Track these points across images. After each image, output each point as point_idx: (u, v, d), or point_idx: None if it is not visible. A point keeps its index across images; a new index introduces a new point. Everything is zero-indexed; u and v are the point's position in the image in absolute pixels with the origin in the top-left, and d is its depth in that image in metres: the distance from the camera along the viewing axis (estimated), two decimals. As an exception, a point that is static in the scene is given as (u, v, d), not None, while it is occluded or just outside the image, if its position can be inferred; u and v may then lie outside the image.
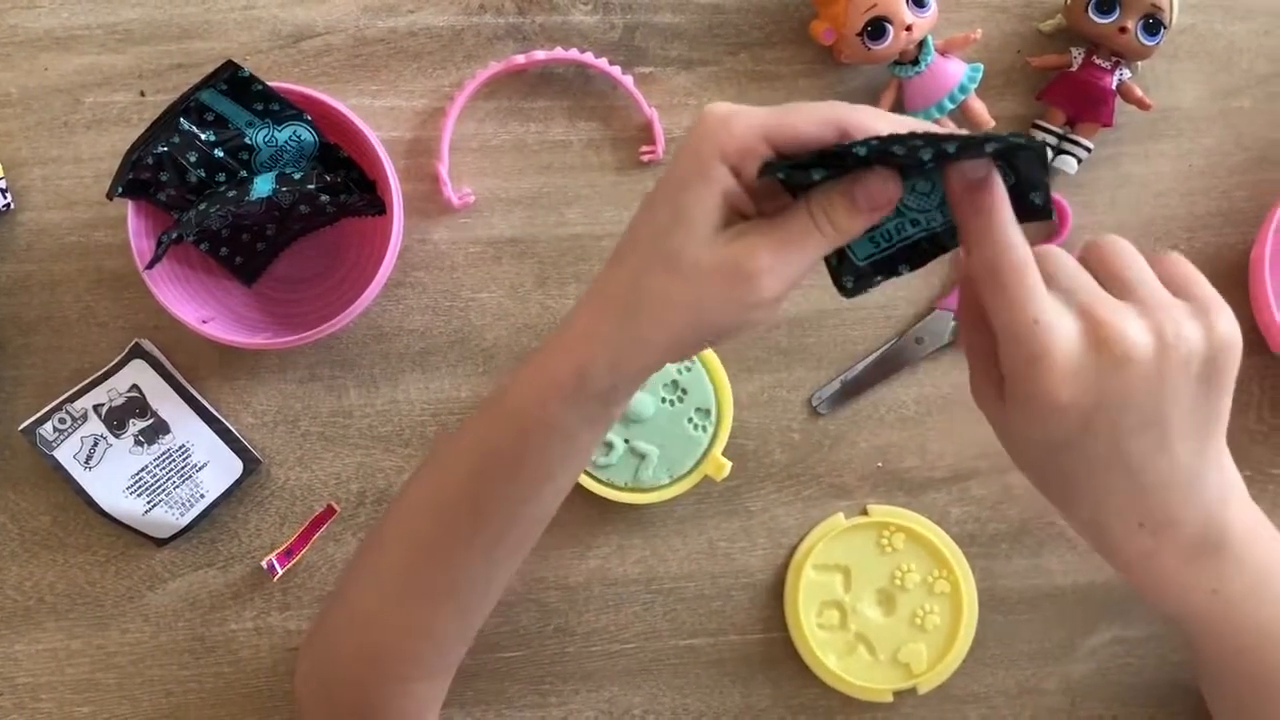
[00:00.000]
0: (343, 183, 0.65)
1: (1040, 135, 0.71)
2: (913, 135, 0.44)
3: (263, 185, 0.62)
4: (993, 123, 0.71)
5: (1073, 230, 0.72)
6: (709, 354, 0.69)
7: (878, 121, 0.46)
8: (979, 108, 0.71)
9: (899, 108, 0.71)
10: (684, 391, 0.69)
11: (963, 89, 0.70)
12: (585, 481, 0.68)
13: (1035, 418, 0.46)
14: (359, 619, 0.58)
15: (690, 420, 0.69)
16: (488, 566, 0.56)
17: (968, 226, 0.46)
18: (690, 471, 0.69)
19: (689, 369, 0.69)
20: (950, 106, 0.70)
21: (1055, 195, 0.72)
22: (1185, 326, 0.45)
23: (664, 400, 0.69)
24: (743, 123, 0.46)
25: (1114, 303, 0.46)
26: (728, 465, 0.68)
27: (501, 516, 0.54)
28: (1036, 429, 0.46)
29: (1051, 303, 0.45)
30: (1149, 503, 0.47)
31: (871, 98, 0.72)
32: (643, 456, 0.69)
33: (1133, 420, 0.45)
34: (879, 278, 0.51)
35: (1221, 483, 0.49)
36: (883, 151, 0.44)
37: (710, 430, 0.69)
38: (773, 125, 0.46)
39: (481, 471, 0.53)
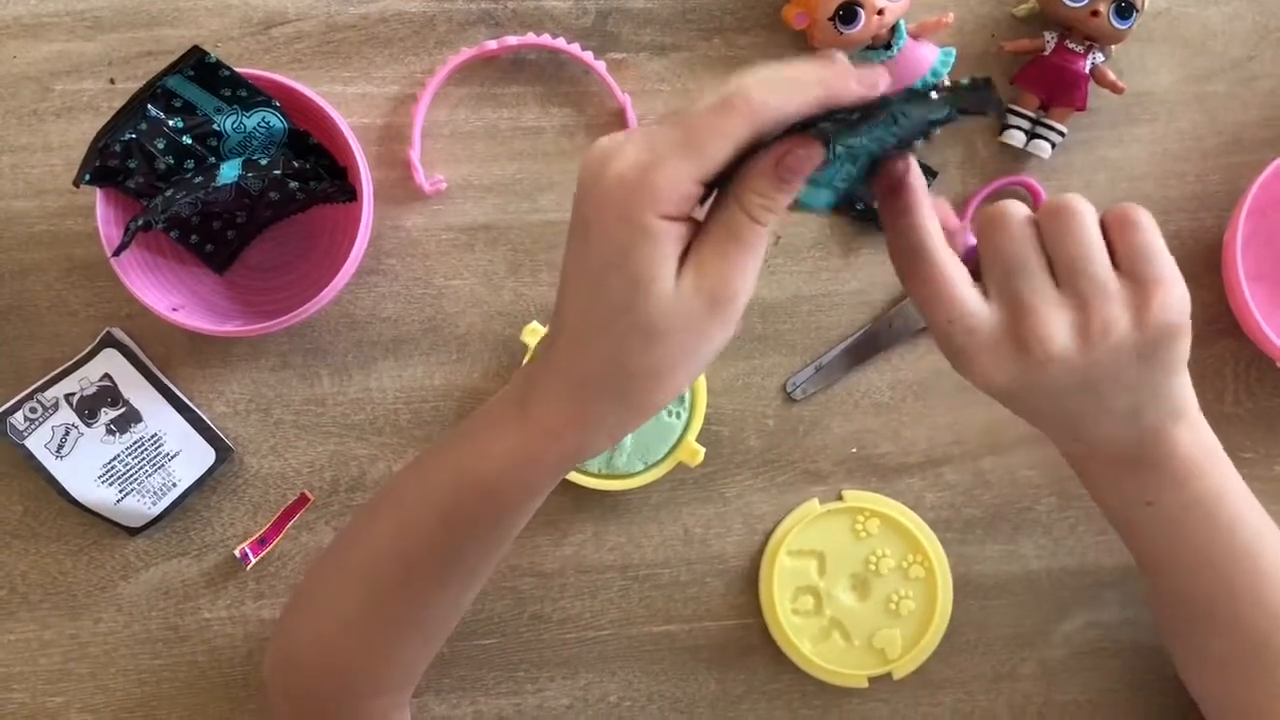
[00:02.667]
0: (312, 169, 0.65)
1: (1014, 119, 0.71)
2: (831, 117, 0.42)
3: (229, 171, 0.62)
4: (966, 107, 0.71)
5: (1047, 215, 0.72)
6: None
7: (788, 103, 0.42)
8: (952, 92, 0.70)
9: (872, 92, 0.71)
10: None
11: (935, 73, 0.70)
12: None
13: (974, 382, 0.49)
14: (321, 639, 0.58)
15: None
16: (455, 604, 0.56)
17: (887, 222, 0.48)
18: (664, 458, 0.69)
19: None
20: (923, 91, 0.70)
21: (1030, 180, 0.72)
22: (1116, 318, 0.46)
23: None
24: (668, 177, 0.41)
25: (1043, 295, 0.47)
26: (701, 452, 0.68)
27: (470, 567, 0.54)
28: (989, 385, 0.49)
29: (973, 299, 0.47)
30: (1080, 427, 0.50)
31: (845, 83, 0.72)
32: (617, 444, 0.68)
33: (1063, 404, 0.49)
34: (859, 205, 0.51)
35: (1164, 408, 0.50)
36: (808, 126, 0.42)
37: (684, 417, 0.69)
38: (700, 167, 0.42)
39: (452, 531, 0.52)
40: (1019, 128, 0.71)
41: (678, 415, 0.69)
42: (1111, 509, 0.56)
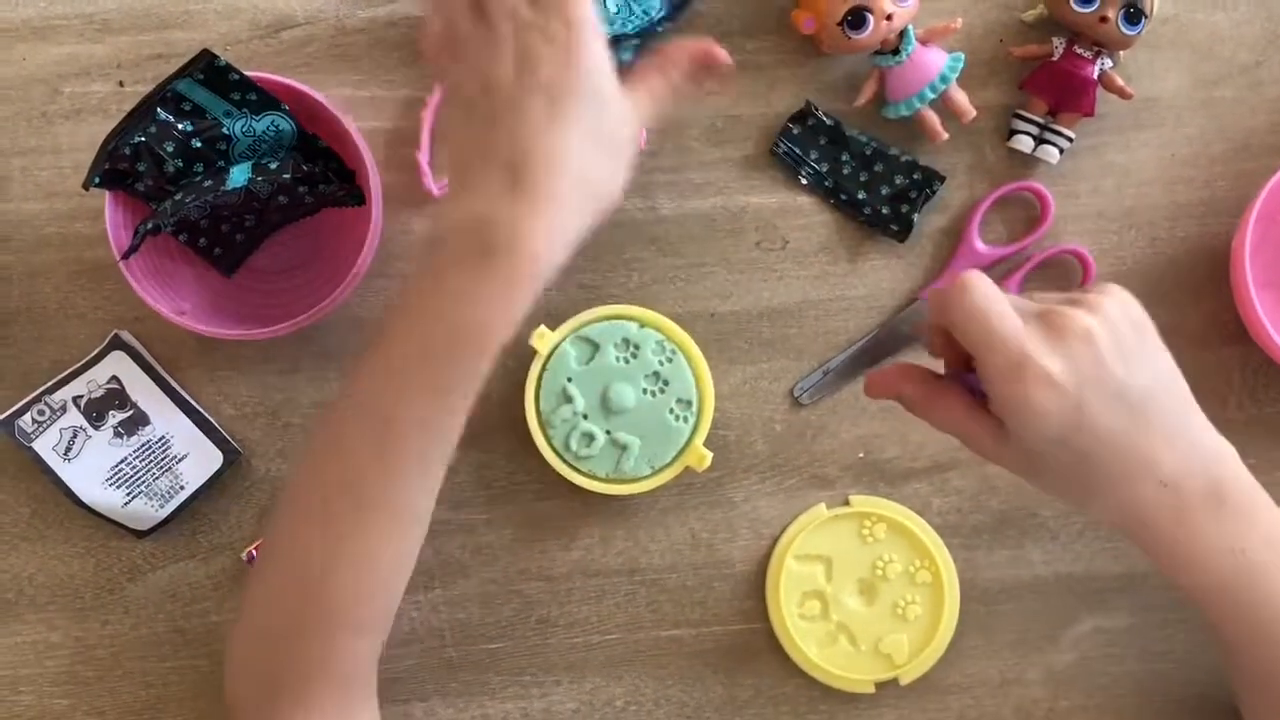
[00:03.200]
0: (321, 173, 0.65)
1: (1022, 125, 0.71)
2: None
3: (239, 175, 0.62)
4: (974, 112, 0.71)
5: (1055, 220, 0.72)
6: (690, 344, 0.69)
7: None
8: (960, 98, 0.71)
9: (881, 97, 0.71)
10: (665, 382, 0.69)
11: (944, 78, 0.70)
12: (567, 473, 0.68)
13: (1037, 416, 0.51)
14: (298, 582, 0.57)
15: (671, 411, 0.69)
16: (431, 495, 0.57)
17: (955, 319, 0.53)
18: (672, 462, 0.69)
19: (670, 360, 0.69)
20: (931, 96, 0.70)
21: (1037, 185, 0.72)
22: (1105, 300, 0.54)
23: (645, 391, 0.68)
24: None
25: (1048, 297, 0.54)
26: (709, 456, 0.68)
27: (451, 441, 0.56)
28: (1044, 426, 0.51)
29: (1014, 314, 0.52)
30: (1161, 457, 0.53)
31: (852, 87, 0.72)
32: (624, 448, 0.68)
33: (1116, 381, 0.52)
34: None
35: (1206, 437, 0.55)
36: None
37: (691, 421, 0.69)
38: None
39: (441, 395, 0.54)
40: (1027, 133, 0.71)
41: (685, 420, 0.69)
42: (1201, 574, 0.55)
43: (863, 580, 0.71)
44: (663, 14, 0.70)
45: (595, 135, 0.54)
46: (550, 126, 0.53)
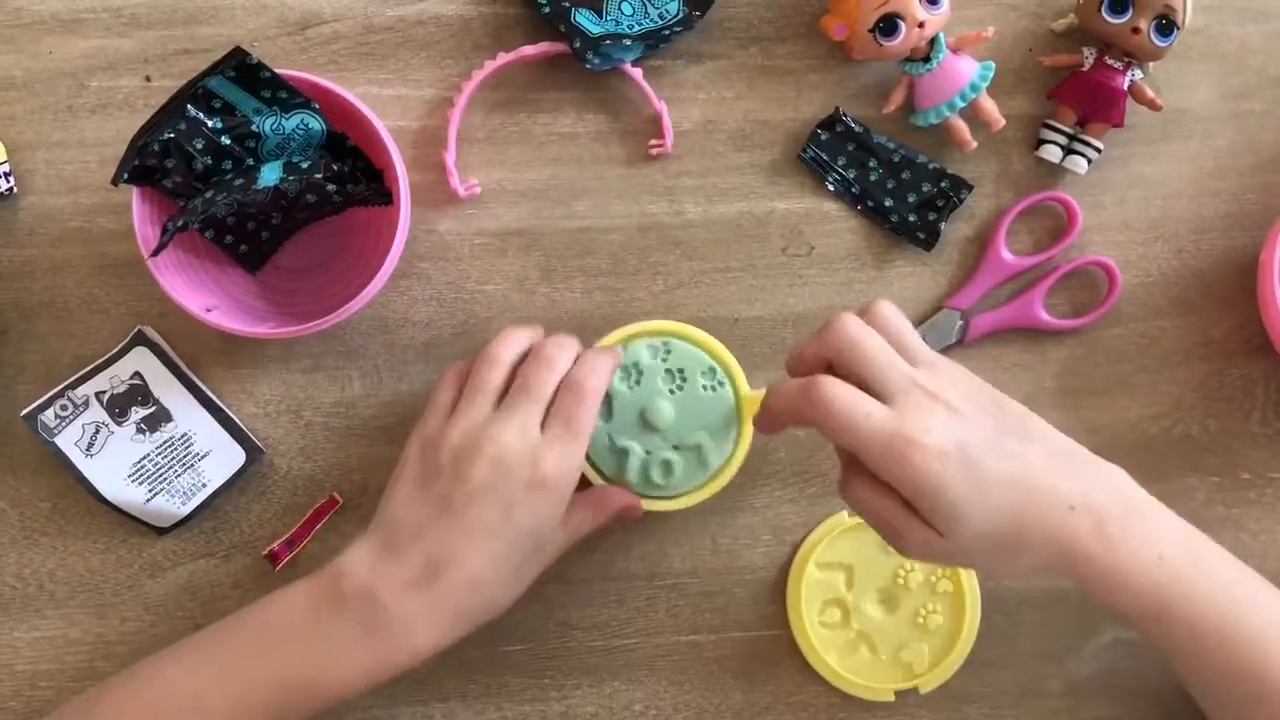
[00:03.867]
0: (350, 172, 0.64)
1: (1051, 135, 0.71)
2: None
3: (269, 174, 0.61)
4: (1003, 122, 0.70)
5: (1081, 231, 0.72)
6: (674, 325, 0.67)
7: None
8: (990, 106, 0.70)
9: (910, 105, 0.71)
10: (681, 373, 0.67)
11: (974, 87, 0.70)
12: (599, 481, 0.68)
13: (939, 489, 0.53)
14: None
15: (703, 387, 0.67)
16: None
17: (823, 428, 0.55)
18: (707, 482, 0.67)
19: (719, 387, 0.67)
20: (961, 105, 0.70)
21: (1065, 195, 0.72)
22: (945, 365, 0.57)
23: (670, 391, 0.67)
24: (571, 476, 0.60)
25: (904, 368, 0.56)
26: (760, 395, 0.64)
27: None
28: (950, 496, 0.53)
29: (869, 399, 0.55)
30: (1060, 485, 0.55)
31: (881, 94, 0.72)
32: (665, 464, 0.67)
33: (990, 433, 0.55)
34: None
35: (1099, 461, 0.58)
36: None
37: (727, 381, 0.67)
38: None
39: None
40: (1056, 143, 0.71)
41: (719, 384, 0.67)
42: (1139, 598, 0.56)
43: (884, 589, 0.71)
44: (678, 18, 0.69)
45: (522, 566, 0.60)
46: (493, 555, 0.58)
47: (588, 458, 0.67)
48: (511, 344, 0.63)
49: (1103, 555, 0.55)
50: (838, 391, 0.54)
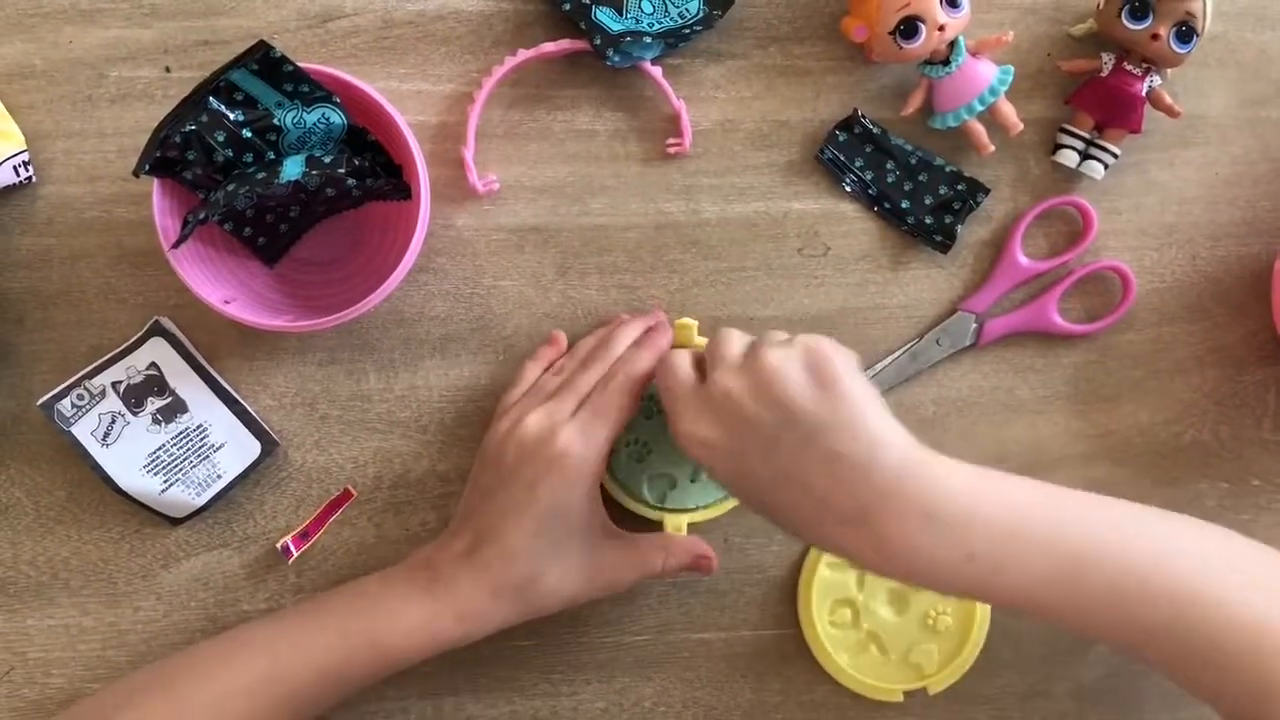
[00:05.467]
0: (370, 167, 0.64)
1: (1068, 140, 0.71)
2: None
3: (292, 168, 0.61)
4: (1021, 126, 0.71)
5: (1097, 235, 0.72)
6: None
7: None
8: (1008, 110, 0.70)
9: (928, 107, 0.71)
10: None
11: (993, 91, 0.70)
12: (614, 492, 0.68)
13: (712, 475, 0.58)
14: None
15: None
16: None
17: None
18: (714, 503, 0.69)
19: None
20: (980, 109, 0.70)
21: (1081, 200, 0.72)
22: (767, 351, 0.56)
23: None
24: (599, 451, 0.62)
25: (716, 372, 0.58)
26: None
27: (325, 713, 0.63)
28: (717, 475, 0.58)
29: (686, 385, 0.59)
30: (832, 498, 0.54)
31: (899, 96, 0.72)
32: (673, 482, 0.68)
33: (764, 432, 0.55)
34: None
35: (900, 457, 0.54)
36: None
37: None
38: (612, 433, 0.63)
39: (327, 685, 0.61)
40: (1073, 148, 0.71)
41: None
42: (955, 589, 0.54)
43: (894, 590, 0.71)
44: (698, 17, 0.70)
45: (558, 547, 0.62)
46: (522, 530, 0.61)
47: (611, 471, 0.67)
48: (580, 357, 0.67)
49: (892, 565, 0.53)
50: (673, 360, 0.60)
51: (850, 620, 0.71)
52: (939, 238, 0.72)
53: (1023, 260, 0.72)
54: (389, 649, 0.61)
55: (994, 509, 0.53)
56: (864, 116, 0.72)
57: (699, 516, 0.67)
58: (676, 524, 0.67)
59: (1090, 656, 0.72)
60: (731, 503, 0.67)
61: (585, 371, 0.65)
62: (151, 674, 0.64)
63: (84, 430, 0.68)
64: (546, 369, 0.68)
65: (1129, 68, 0.70)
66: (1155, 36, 0.68)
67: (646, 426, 0.69)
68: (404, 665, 0.62)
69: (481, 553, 0.62)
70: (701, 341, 0.68)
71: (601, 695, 0.71)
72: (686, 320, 0.68)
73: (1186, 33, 0.68)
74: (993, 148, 0.71)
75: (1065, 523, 0.54)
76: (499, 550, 0.61)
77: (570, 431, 0.61)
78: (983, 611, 0.70)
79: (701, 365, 0.60)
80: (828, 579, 0.71)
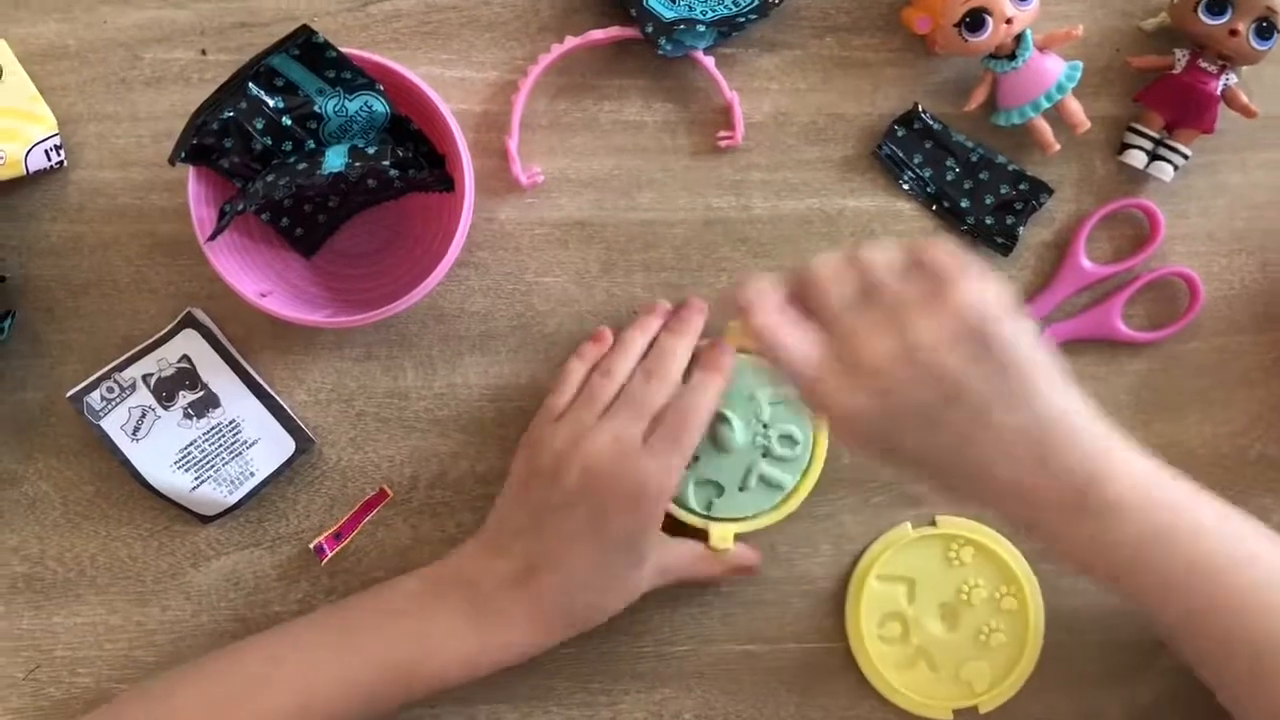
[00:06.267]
0: (412, 157, 0.62)
1: (1136, 139, 0.68)
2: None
3: (334, 159, 0.59)
4: (1088, 124, 0.68)
5: (1164, 240, 0.69)
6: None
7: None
8: (1075, 108, 0.67)
9: (991, 103, 0.68)
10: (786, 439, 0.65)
11: (1060, 88, 0.67)
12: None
13: (847, 441, 0.53)
14: None
15: (769, 455, 0.65)
16: None
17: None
18: (754, 516, 0.65)
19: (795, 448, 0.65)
20: (1046, 105, 0.67)
21: (1148, 203, 0.69)
22: (920, 315, 0.50)
23: (754, 438, 0.65)
24: (670, 485, 0.59)
25: (851, 319, 0.51)
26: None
27: None
28: (858, 449, 0.53)
29: (802, 341, 0.51)
30: (992, 478, 0.50)
31: (961, 91, 0.69)
32: (720, 489, 0.65)
33: (923, 410, 0.50)
34: None
35: (1076, 440, 0.50)
36: None
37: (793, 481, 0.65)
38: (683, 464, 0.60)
39: (370, 710, 0.60)
40: (1141, 148, 0.68)
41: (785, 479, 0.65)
42: (1079, 568, 0.53)
43: (946, 604, 0.69)
44: (753, 5, 0.67)
45: (620, 575, 0.60)
46: (585, 561, 0.59)
47: None
48: (630, 354, 0.63)
49: (1036, 539, 0.52)
50: (768, 320, 0.52)
51: (900, 634, 0.68)
52: (1000, 239, 0.69)
53: (1086, 264, 0.69)
54: (434, 680, 0.60)
55: (1151, 504, 0.51)
56: (924, 111, 0.69)
57: (748, 526, 0.64)
58: (724, 534, 0.64)
59: (1146, 678, 0.69)
60: (783, 512, 0.65)
61: (648, 385, 0.61)
62: (159, 703, 0.61)
63: (114, 424, 0.66)
64: (592, 369, 0.65)
65: (1203, 64, 0.67)
66: (1234, 32, 0.65)
67: None
68: (450, 689, 0.60)
69: (538, 581, 0.59)
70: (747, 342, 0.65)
71: (641, 706, 0.69)
72: (735, 324, 0.64)
73: (1267, 29, 0.65)
74: (1058, 146, 0.68)
75: (1209, 534, 0.52)
76: (560, 581, 0.59)
77: (648, 463, 0.58)
78: (1037, 628, 0.68)
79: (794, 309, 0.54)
80: (877, 591, 0.68)
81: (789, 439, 0.63)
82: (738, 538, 0.65)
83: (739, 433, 0.63)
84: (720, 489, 0.65)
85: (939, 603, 0.69)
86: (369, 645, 0.60)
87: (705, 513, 0.65)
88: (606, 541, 0.58)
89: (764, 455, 0.63)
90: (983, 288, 0.50)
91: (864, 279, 0.52)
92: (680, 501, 0.65)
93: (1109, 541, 0.51)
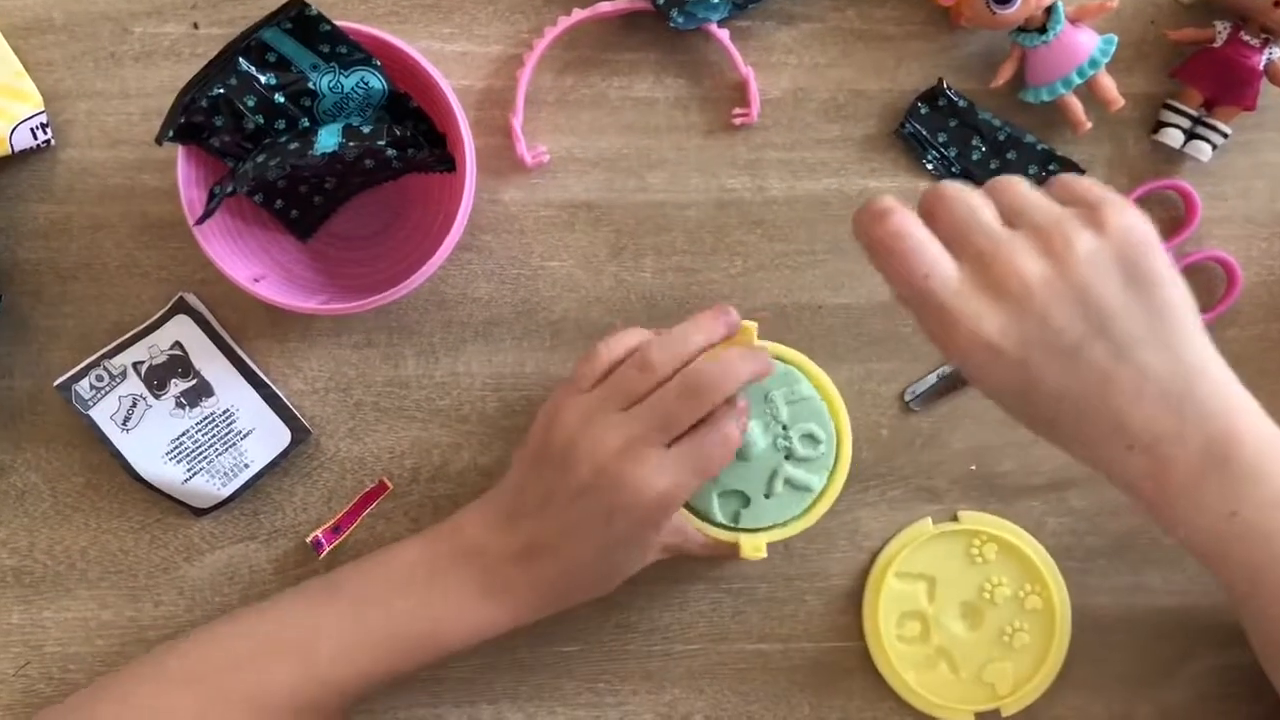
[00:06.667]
0: (411, 136, 0.59)
1: (1173, 117, 0.65)
2: None
3: (328, 139, 0.56)
4: (1122, 102, 0.64)
5: (1200, 223, 0.66)
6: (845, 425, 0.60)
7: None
8: (1109, 84, 0.64)
9: (1019, 79, 0.65)
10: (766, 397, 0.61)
11: (1093, 63, 0.63)
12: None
13: (977, 379, 0.47)
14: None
15: (788, 401, 0.60)
16: None
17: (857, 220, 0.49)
18: (776, 525, 0.61)
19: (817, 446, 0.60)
20: (1078, 81, 0.63)
21: (1183, 183, 0.66)
22: (1076, 234, 0.46)
23: (775, 441, 0.61)
24: (680, 498, 0.55)
25: (999, 235, 0.46)
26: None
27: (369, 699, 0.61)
28: (987, 387, 0.47)
29: (945, 256, 0.46)
30: (1129, 421, 0.46)
31: (988, 66, 0.66)
32: (746, 500, 0.60)
33: (1069, 340, 0.46)
34: None
35: (1215, 392, 0.47)
36: None
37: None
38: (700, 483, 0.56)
39: (374, 679, 0.59)
40: (1177, 126, 0.65)
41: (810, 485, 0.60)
42: (1191, 536, 0.48)
43: (967, 603, 0.66)
44: None
45: (620, 565, 0.59)
46: (588, 554, 0.57)
47: None
48: (678, 353, 0.56)
49: (1156, 503, 0.48)
50: (908, 229, 0.46)
51: (919, 634, 0.66)
52: (1027, 222, 0.66)
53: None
54: (443, 648, 0.58)
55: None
56: (949, 88, 0.66)
57: (778, 535, 0.60)
58: (755, 545, 0.60)
59: (1178, 679, 0.67)
60: (815, 515, 0.60)
61: (683, 404, 0.54)
62: (166, 666, 0.60)
63: (103, 414, 0.63)
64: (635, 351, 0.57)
65: (1246, 38, 0.63)
66: (1279, 3, 0.61)
67: None
68: (458, 655, 0.59)
69: (539, 564, 0.57)
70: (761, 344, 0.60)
71: (649, 707, 0.67)
72: (748, 323, 0.59)
73: (1314, 1, 0.61)
74: (1090, 125, 0.65)
75: None
76: (559, 569, 0.57)
77: (668, 483, 0.54)
78: (1063, 629, 0.65)
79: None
80: (896, 589, 0.66)
81: (811, 438, 0.59)
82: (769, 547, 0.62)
83: (758, 438, 0.59)
84: (745, 499, 0.60)
85: (960, 601, 0.66)
86: (378, 619, 0.58)
87: (733, 524, 0.61)
88: (610, 539, 0.56)
89: (787, 458, 0.60)
90: (1141, 216, 0.47)
91: (1008, 202, 0.48)
92: (705, 516, 0.61)
93: (1241, 499, 0.47)
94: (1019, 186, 0.48)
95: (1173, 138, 0.65)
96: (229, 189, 0.56)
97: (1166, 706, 0.67)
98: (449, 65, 0.65)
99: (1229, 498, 0.47)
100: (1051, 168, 0.66)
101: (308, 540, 0.65)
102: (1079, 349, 0.46)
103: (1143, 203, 0.66)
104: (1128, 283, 0.46)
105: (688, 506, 0.60)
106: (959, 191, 0.47)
